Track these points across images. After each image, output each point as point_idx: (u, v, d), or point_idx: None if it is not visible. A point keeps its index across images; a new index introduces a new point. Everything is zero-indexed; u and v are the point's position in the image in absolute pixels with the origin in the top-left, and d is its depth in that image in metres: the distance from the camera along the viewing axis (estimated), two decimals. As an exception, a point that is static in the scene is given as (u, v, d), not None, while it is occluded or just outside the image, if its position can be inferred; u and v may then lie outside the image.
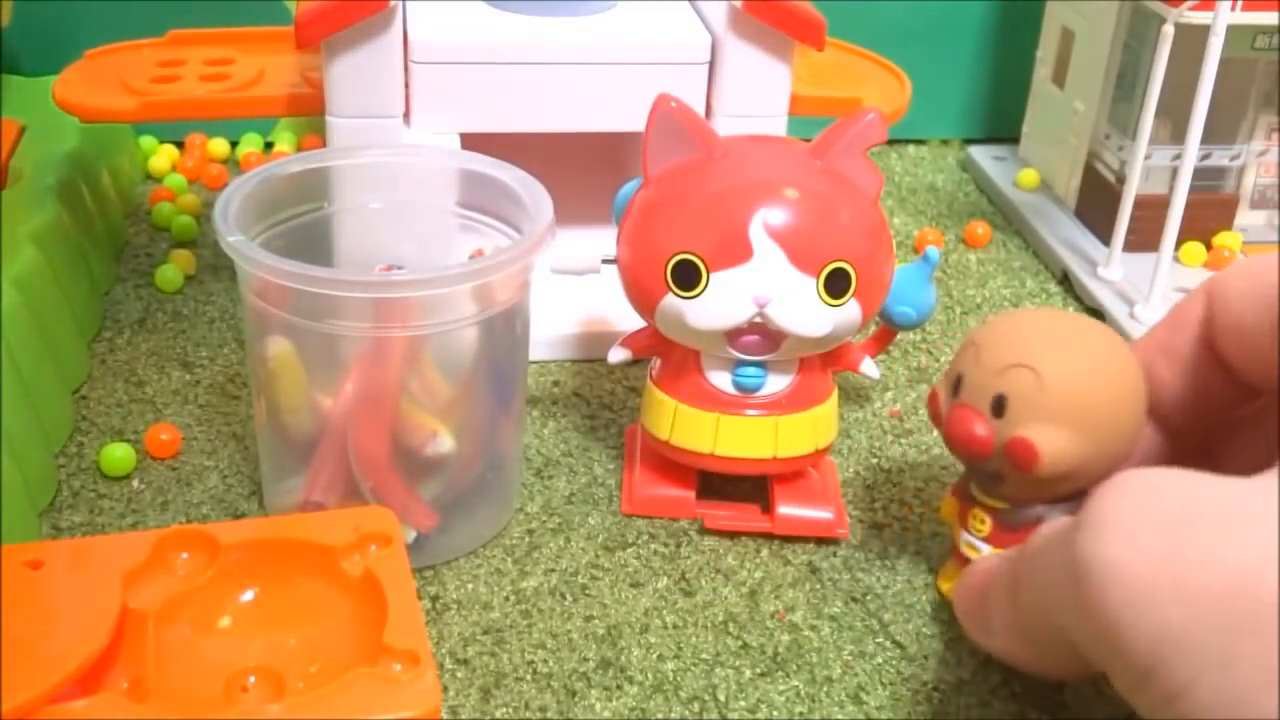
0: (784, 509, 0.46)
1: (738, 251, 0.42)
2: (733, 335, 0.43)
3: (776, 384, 0.45)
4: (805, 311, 0.42)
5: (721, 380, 0.45)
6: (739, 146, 0.45)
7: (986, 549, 0.42)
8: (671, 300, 0.43)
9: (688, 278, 0.42)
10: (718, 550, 0.46)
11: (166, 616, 0.37)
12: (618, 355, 0.47)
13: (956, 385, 0.41)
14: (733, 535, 0.47)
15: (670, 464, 0.47)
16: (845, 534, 0.47)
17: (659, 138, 0.43)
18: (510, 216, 0.45)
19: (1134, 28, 0.64)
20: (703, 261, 0.42)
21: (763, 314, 0.42)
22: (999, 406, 0.39)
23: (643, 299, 0.44)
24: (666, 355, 0.46)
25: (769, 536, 0.47)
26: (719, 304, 0.42)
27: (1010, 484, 0.41)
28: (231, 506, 0.47)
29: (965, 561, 0.43)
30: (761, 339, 0.43)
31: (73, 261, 0.55)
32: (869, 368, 0.48)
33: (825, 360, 0.46)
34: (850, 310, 0.43)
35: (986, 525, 0.42)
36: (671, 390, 0.46)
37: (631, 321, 0.47)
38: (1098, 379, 0.39)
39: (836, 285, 0.42)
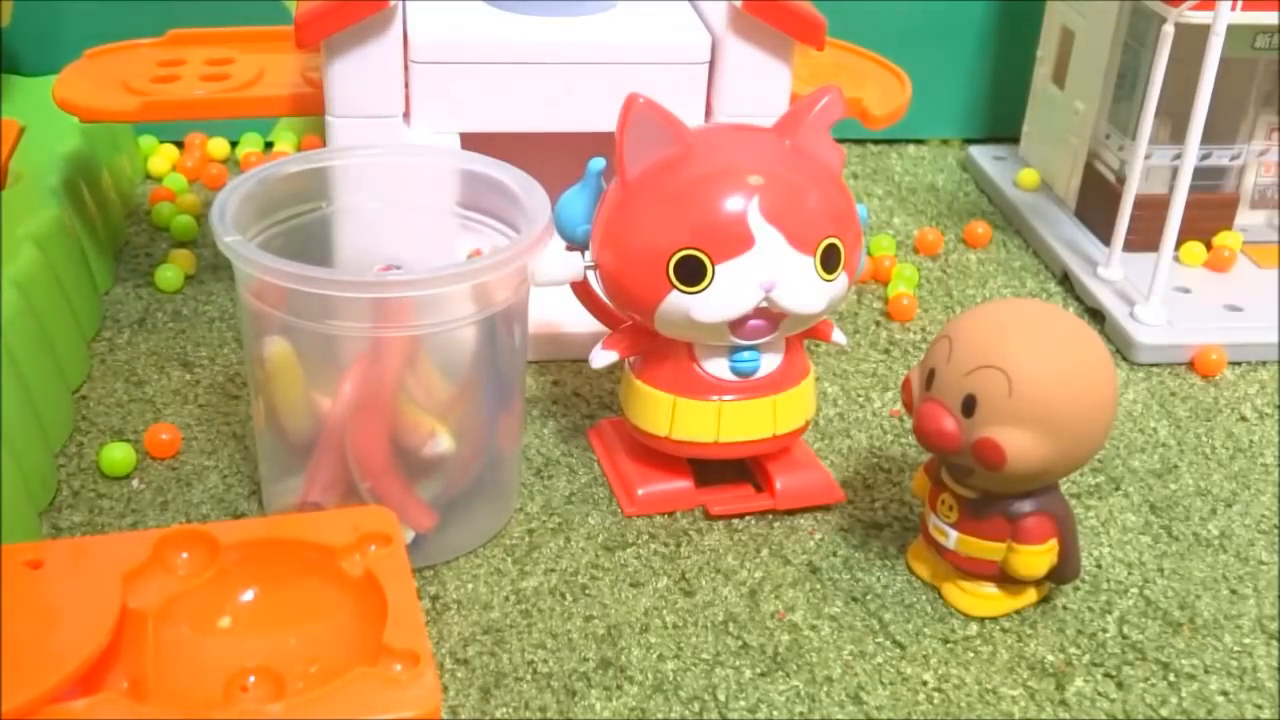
0: (783, 482, 0.47)
1: (740, 241, 0.42)
2: (736, 323, 0.43)
3: (770, 364, 0.46)
4: (806, 290, 0.43)
5: (718, 368, 0.45)
6: (711, 137, 0.45)
7: (954, 535, 0.43)
8: (676, 297, 0.43)
9: (693, 273, 0.42)
10: (718, 550, 0.46)
11: (166, 616, 0.37)
12: (604, 358, 0.46)
13: (929, 379, 0.41)
14: (732, 534, 0.47)
15: (662, 457, 0.47)
16: (843, 497, 0.48)
17: (636, 137, 0.43)
18: (508, 216, 0.45)
19: (1134, 28, 0.64)
20: (707, 256, 0.42)
21: (769, 298, 0.43)
22: (969, 406, 0.40)
23: (639, 300, 0.44)
24: (650, 350, 0.46)
25: (768, 535, 0.47)
26: (727, 295, 0.43)
27: (978, 477, 0.41)
28: (231, 506, 0.47)
29: (933, 543, 0.43)
30: (765, 323, 0.44)
31: (73, 262, 0.55)
32: (839, 336, 0.49)
33: (803, 333, 0.47)
34: (841, 283, 0.44)
35: (954, 512, 0.43)
36: (666, 385, 0.46)
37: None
38: (1067, 382, 0.39)
39: (830, 260, 0.43)
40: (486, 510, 0.46)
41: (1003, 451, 0.39)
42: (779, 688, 0.41)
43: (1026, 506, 0.42)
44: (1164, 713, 0.40)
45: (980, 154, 0.77)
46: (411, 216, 0.48)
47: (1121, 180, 0.63)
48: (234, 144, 0.73)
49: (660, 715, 0.39)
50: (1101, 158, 0.67)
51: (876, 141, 0.79)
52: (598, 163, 0.46)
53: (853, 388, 0.56)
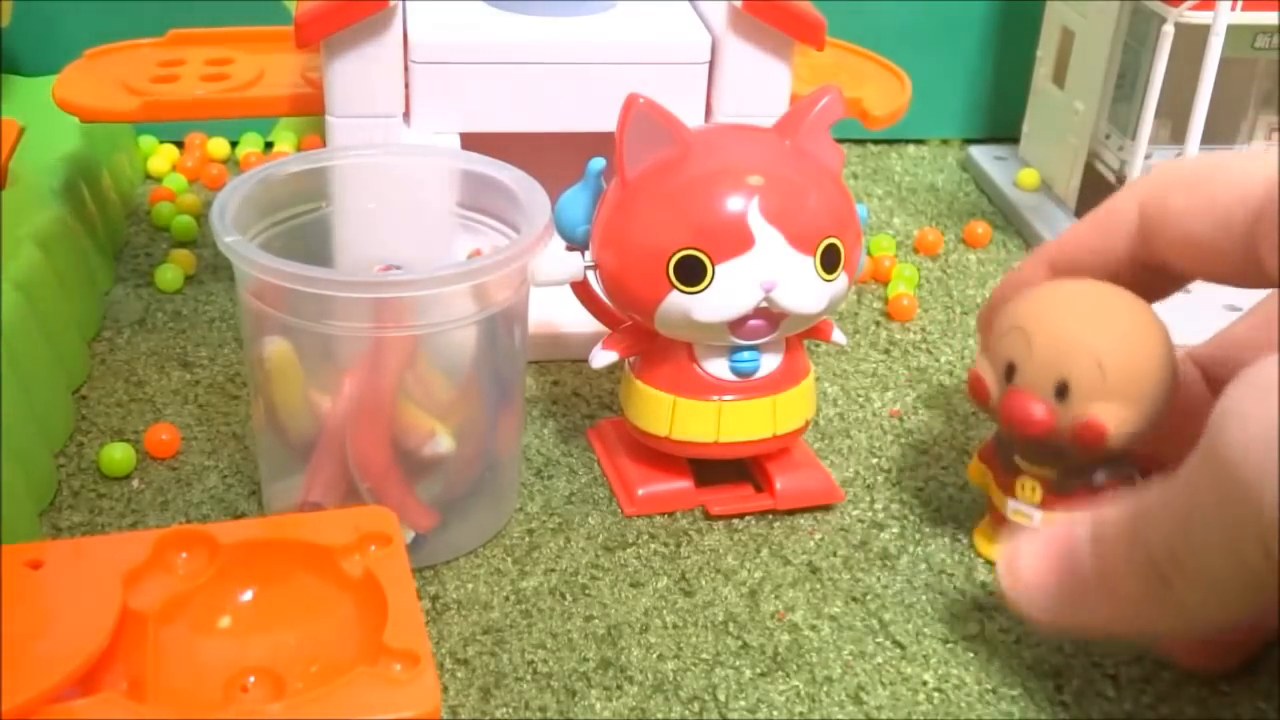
0: (783, 483, 0.47)
1: (739, 241, 0.42)
2: (736, 323, 0.43)
3: (770, 364, 0.46)
4: (806, 290, 0.43)
5: (718, 368, 0.45)
6: (711, 137, 0.45)
7: (1038, 515, 0.43)
8: (676, 298, 0.43)
9: (693, 273, 0.42)
10: (718, 550, 0.46)
11: (166, 616, 0.37)
12: (604, 359, 0.46)
13: (1009, 371, 0.42)
14: (732, 534, 0.47)
15: (662, 456, 0.47)
16: (843, 497, 0.48)
17: (636, 137, 0.43)
18: (508, 216, 0.45)
19: (1134, 28, 0.64)
20: (707, 256, 0.42)
21: (769, 298, 0.43)
22: (1062, 391, 0.41)
23: (639, 301, 0.44)
24: (650, 350, 0.46)
25: (768, 535, 0.47)
26: (727, 295, 0.43)
27: (1072, 456, 0.42)
28: (231, 506, 0.47)
29: (1014, 526, 0.44)
30: (765, 323, 0.44)
31: (73, 262, 0.55)
32: (839, 336, 0.49)
33: (803, 333, 0.47)
34: (841, 283, 0.44)
35: (1038, 493, 0.43)
36: (666, 385, 0.46)
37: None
38: (1147, 352, 0.41)
39: (830, 260, 0.43)
40: (486, 510, 0.46)
41: (1105, 430, 0.40)
42: (779, 688, 0.41)
43: (1106, 474, 0.43)
44: (1163, 712, 0.40)
45: (980, 154, 0.77)
46: (411, 216, 0.48)
47: (1121, 180, 0.63)
48: (234, 144, 0.74)
49: (660, 715, 0.39)
50: (1101, 158, 0.67)
51: (876, 141, 0.79)
52: (598, 163, 0.46)
53: (853, 388, 0.56)
